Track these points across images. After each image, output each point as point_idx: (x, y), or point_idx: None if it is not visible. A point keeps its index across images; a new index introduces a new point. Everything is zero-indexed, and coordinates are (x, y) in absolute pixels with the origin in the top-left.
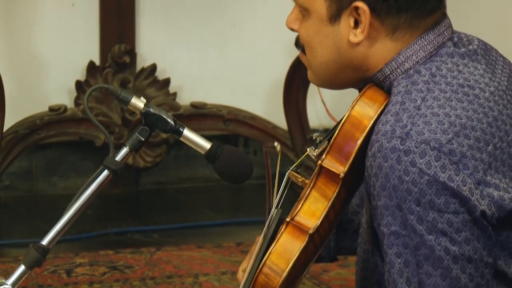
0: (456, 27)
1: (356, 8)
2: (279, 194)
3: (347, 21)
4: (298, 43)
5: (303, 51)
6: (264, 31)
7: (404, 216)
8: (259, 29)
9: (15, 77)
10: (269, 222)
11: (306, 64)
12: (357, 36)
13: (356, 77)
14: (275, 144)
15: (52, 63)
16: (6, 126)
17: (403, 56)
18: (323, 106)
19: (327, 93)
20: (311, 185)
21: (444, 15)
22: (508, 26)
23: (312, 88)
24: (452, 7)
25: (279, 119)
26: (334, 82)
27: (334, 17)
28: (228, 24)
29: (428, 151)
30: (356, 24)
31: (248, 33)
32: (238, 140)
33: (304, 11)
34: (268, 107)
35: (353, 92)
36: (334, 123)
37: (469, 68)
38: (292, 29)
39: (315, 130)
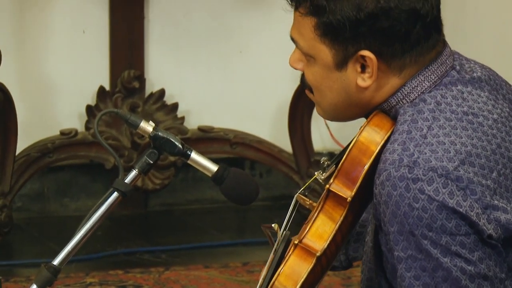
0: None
1: (362, 56)
2: (287, 216)
3: (354, 67)
4: (304, 82)
5: (310, 90)
6: (269, 57)
7: (418, 241)
8: (265, 55)
9: (27, 102)
10: (277, 244)
11: (314, 101)
12: (365, 80)
13: (364, 112)
14: (273, 225)
15: (63, 89)
16: (18, 150)
17: (408, 87)
18: (327, 130)
19: None
20: (319, 208)
21: (444, 44)
22: (508, 50)
23: (316, 113)
24: (453, 31)
25: (284, 143)
26: (342, 117)
27: (341, 65)
28: (234, 50)
29: (435, 178)
30: (363, 68)
31: (254, 59)
32: (244, 163)
33: (309, 57)
34: (274, 131)
35: None
36: (337, 147)
37: (473, 95)
38: (295, 69)
39: (319, 153)
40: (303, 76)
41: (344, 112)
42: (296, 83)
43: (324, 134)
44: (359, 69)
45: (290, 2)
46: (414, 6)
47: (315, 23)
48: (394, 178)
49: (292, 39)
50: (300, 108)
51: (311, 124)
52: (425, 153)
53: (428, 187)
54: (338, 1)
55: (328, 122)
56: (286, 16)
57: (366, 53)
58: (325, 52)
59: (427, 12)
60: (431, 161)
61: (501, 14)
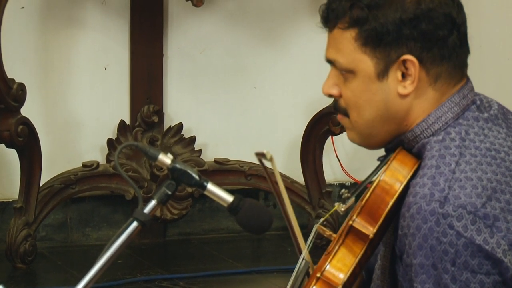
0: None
1: (404, 61)
2: (306, 247)
3: (395, 75)
4: (338, 107)
5: (344, 114)
6: (283, 92)
7: (438, 275)
8: (278, 91)
9: (51, 136)
10: (297, 272)
11: (348, 125)
12: (406, 88)
13: (395, 132)
14: (265, 152)
15: (85, 123)
16: (42, 181)
17: (433, 117)
18: (338, 162)
19: (341, 150)
20: (340, 241)
21: (468, 78)
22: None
23: (328, 146)
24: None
25: (297, 175)
26: (375, 139)
27: (382, 73)
28: (250, 86)
29: (464, 215)
30: (403, 76)
31: (268, 95)
32: (258, 194)
33: (347, 74)
34: (287, 163)
35: (365, 150)
36: (348, 178)
37: (493, 132)
38: (330, 95)
39: (330, 185)
40: (336, 102)
41: (379, 130)
42: (308, 117)
43: (335, 166)
44: (399, 77)
45: (325, 24)
46: (450, 11)
47: (356, 34)
48: (425, 211)
49: (329, 60)
50: (312, 141)
51: (322, 157)
52: (455, 189)
53: (458, 223)
54: (380, 7)
55: (339, 154)
56: (299, 53)
57: (408, 57)
58: (366, 63)
59: (461, 22)
60: (461, 198)
61: (504, 51)
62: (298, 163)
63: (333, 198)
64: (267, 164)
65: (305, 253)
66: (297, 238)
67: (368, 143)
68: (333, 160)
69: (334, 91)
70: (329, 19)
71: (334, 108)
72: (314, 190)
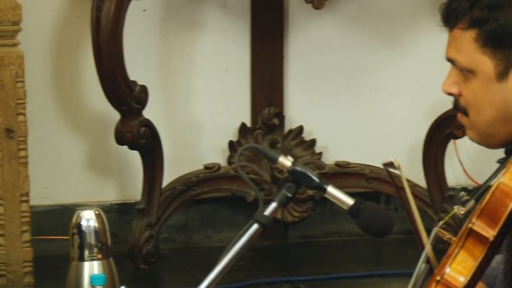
0: None
1: None
2: (425, 250)
3: None
4: (458, 106)
5: (464, 113)
6: (404, 95)
7: None
8: (399, 93)
9: (173, 138)
10: (416, 276)
11: (467, 124)
12: None
13: None
14: (392, 160)
15: (207, 125)
16: (164, 183)
17: None
18: (460, 166)
19: (464, 153)
20: (460, 245)
21: None
22: None
23: (450, 149)
24: None
25: (418, 178)
26: (495, 139)
27: (502, 75)
28: (370, 89)
29: None
30: None
31: (389, 97)
32: (379, 197)
33: (468, 73)
34: (408, 166)
35: (488, 153)
36: (471, 182)
37: None
38: (450, 94)
39: (453, 189)
40: (456, 101)
41: (498, 130)
42: (430, 120)
43: (457, 170)
44: None
45: (445, 24)
46: None
47: (476, 35)
48: None
49: (449, 59)
50: (434, 144)
51: (444, 160)
52: None
53: None
54: (500, 8)
55: (462, 158)
56: (420, 55)
57: None
58: (486, 64)
59: None
60: None
61: None
62: (419, 166)
63: (456, 202)
64: (396, 172)
65: (427, 251)
66: (423, 242)
67: (487, 142)
68: (456, 163)
69: (454, 90)
70: (449, 19)
71: (454, 106)
72: (436, 194)
